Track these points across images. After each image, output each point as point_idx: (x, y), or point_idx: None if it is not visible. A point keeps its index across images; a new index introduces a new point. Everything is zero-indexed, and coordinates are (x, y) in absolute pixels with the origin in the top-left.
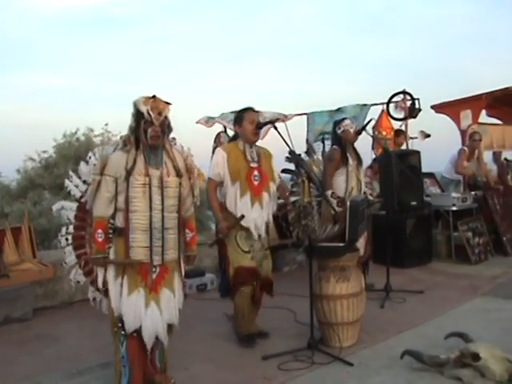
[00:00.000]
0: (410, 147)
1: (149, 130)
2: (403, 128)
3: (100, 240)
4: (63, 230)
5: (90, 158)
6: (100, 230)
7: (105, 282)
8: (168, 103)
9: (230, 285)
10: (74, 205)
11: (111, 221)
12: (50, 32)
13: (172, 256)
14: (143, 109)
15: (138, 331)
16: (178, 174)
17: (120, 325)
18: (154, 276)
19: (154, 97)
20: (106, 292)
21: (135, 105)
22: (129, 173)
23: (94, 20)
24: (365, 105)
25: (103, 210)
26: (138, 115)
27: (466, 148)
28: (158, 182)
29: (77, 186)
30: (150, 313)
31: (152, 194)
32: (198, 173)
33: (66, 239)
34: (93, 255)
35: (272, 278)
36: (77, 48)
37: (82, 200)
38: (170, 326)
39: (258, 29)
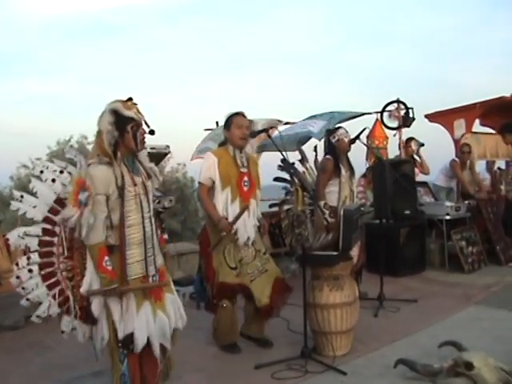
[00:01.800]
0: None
1: (137, 134)
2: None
3: (110, 268)
4: (21, 261)
5: (41, 172)
6: (107, 258)
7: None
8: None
9: (210, 298)
10: (38, 228)
11: None
12: (42, 39)
13: (161, 260)
14: (130, 113)
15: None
16: (149, 176)
17: (120, 345)
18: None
19: (131, 99)
20: (92, 320)
21: (116, 111)
22: (122, 187)
23: (87, 28)
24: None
25: (102, 234)
26: (123, 121)
27: (456, 159)
28: (143, 188)
29: (34, 207)
30: (157, 323)
31: (142, 202)
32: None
33: (30, 270)
34: (105, 287)
35: (284, 278)
36: (70, 55)
37: (69, 224)
38: (174, 331)
39: (256, 37)
